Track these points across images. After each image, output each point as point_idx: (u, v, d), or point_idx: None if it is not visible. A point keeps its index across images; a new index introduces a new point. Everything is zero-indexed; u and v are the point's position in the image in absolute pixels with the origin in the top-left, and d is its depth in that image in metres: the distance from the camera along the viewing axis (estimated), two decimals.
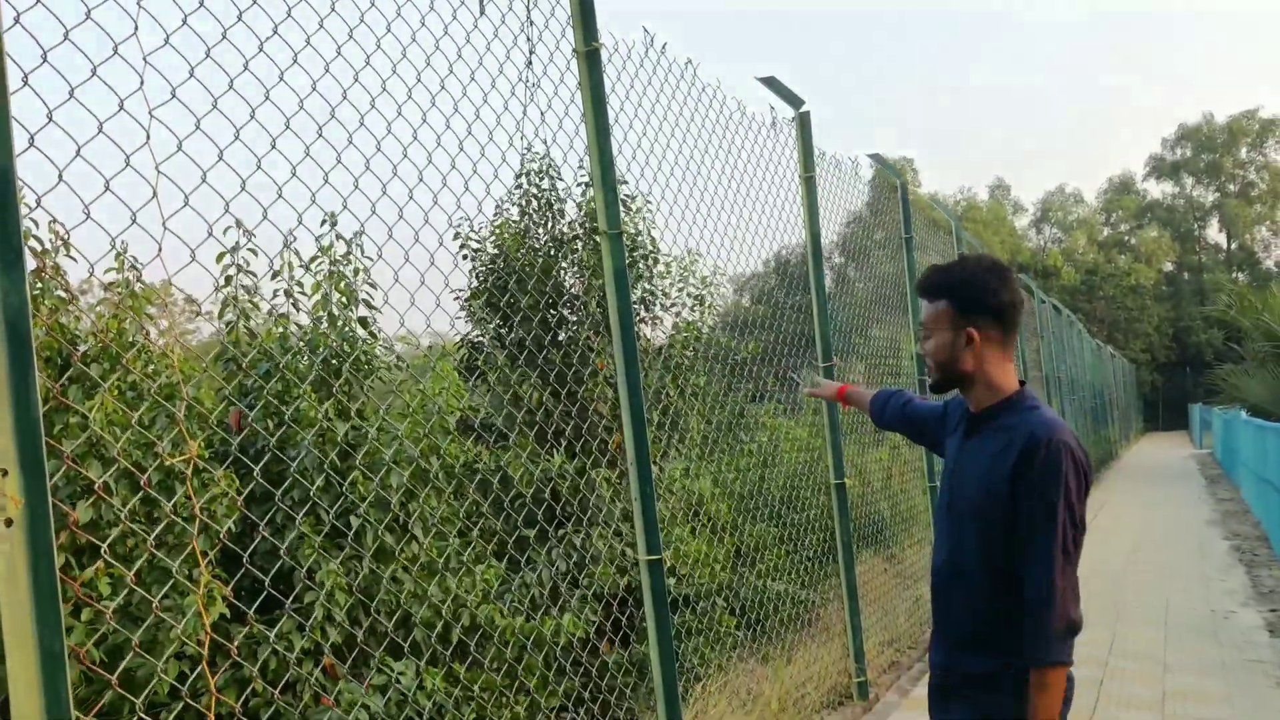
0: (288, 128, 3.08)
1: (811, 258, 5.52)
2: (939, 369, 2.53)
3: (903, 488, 8.93)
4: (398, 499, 4.82)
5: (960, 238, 9.68)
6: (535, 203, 7.85)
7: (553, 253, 7.78)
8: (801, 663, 5.56)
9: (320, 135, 3.18)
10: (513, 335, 7.88)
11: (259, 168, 3.01)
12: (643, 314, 7.91)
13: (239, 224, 4.69)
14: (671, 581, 6.89)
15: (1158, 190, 63.17)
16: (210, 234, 2.91)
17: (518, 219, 8.05)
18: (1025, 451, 2.34)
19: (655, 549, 3.61)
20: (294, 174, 3.12)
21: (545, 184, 7.82)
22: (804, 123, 5.63)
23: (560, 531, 6.02)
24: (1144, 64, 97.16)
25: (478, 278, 7.92)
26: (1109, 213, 62.61)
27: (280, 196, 3.11)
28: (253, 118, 2.96)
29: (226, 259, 4.96)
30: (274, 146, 3.04)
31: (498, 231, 7.96)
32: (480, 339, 7.94)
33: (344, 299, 5.21)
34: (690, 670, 6.02)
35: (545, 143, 4.20)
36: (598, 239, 7.38)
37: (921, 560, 8.53)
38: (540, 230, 7.87)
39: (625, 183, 7.95)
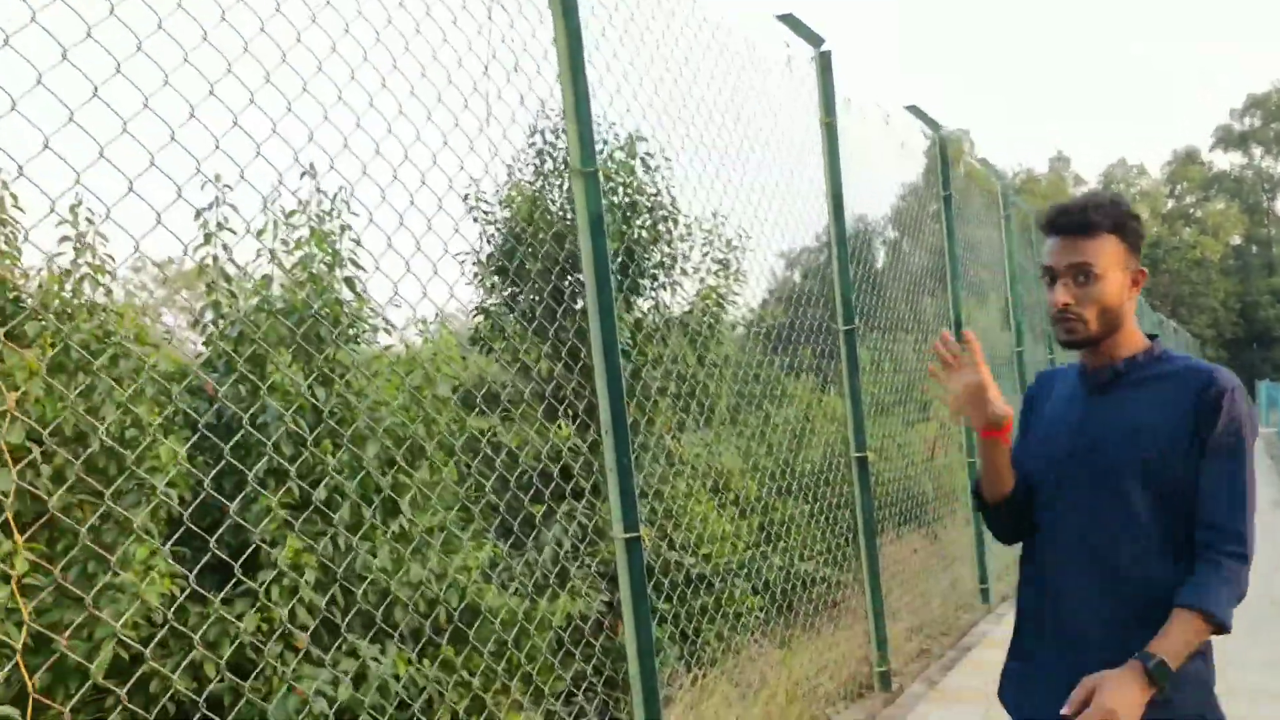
0: (268, 81, 2.73)
1: (832, 211, 5.06)
2: (1103, 319, 2.18)
3: (946, 464, 8.47)
4: (378, 470, 4.48)
5: (1008, 200, 9.12)
6: (551, 161, 7.48)
7: (569, 216, 7.40)
8: (814, 650, 5.14)
9: (305, 90, 2.82)
10: (523, 301, 7.52)
11: (235, 124, 2.69)
12: (662, 278, 7.50)
13: (216, 179, 4.38)
14: (690, 560, 6.53)
15: (1225, 161, 61.31)
16: (180, 195, 2.60)
17: (532, 179, 7.67)
18: (1212, 396, 2.10)
19: (633, 525, 3.22)
20: (274, 130, 2.78)
21: (562, 142, 7.44)
22: (825, 63, 5.16)
23: (566, 507, 5.65)
24: (1212, 31, 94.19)
25: (488, 241, 7.55)
26: (1174, 184, 60.84)
27: (259, 154, 2.77)
28: (229, 71, 2.65)
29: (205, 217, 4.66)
30: (252, 101, 2.70)
31: (511, 194, 7.58)
32: (490, 306, 7.58)
33: (327, 257, 4.87)
34: (706, 655, 5.65)
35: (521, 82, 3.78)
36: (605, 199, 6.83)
37: (964, 539, 8.05)
38: (557, 192, 7.49)
39: (645, 139, 7.59)
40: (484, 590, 4.69)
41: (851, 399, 5.17)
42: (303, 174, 4.52)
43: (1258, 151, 59.53)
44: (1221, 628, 2.04)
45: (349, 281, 4.95)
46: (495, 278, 7.69)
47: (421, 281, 3.21)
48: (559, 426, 6.56)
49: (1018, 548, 2.44)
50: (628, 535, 3.19)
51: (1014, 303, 8.84)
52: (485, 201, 7.27)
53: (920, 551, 8.22)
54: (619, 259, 6.93)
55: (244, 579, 3.42)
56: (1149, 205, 58.88)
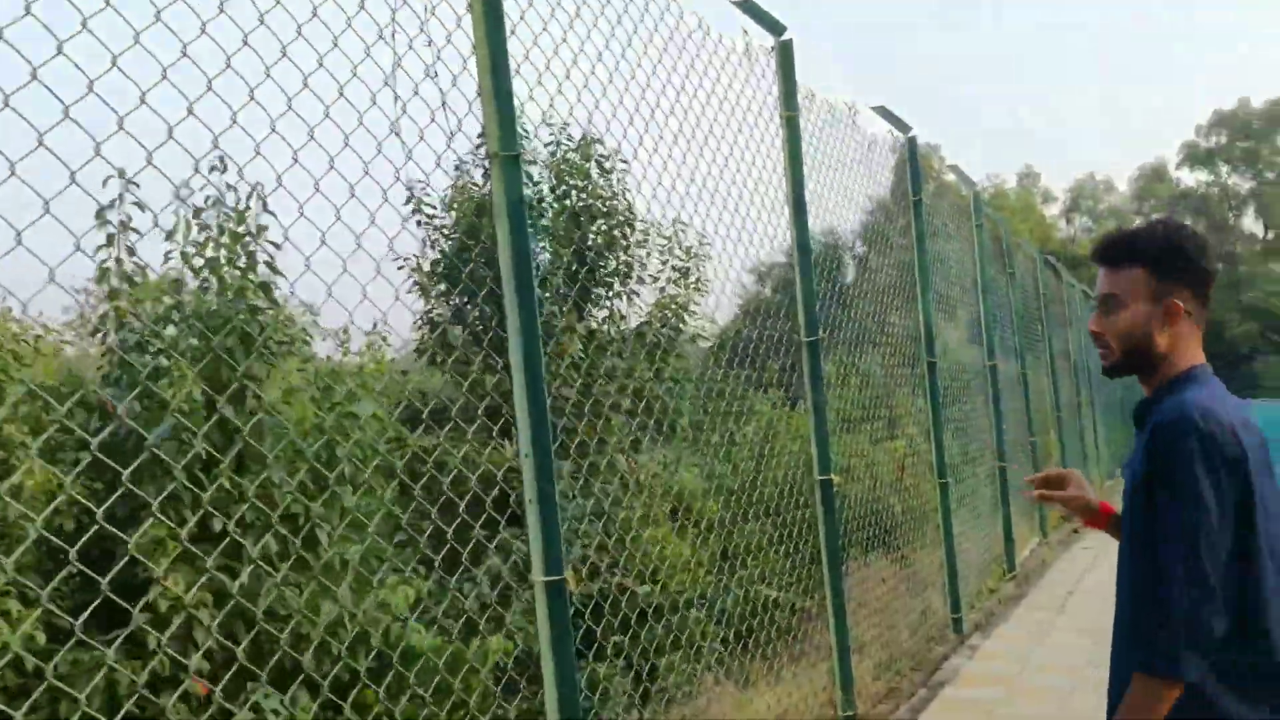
0: (184, 55, 2.28)
1: (793, 213, 4.66)
2: (1126, 349, 2.18)
3: (915, 483, 8.09)
4: (289, 497, 4.03)
5: (980, 209, 8.78)
6: None
7: None
8: (775, 694, 4.71)
9: (229, 66, 2.37)
10: (470, 311, 7.08)
11: (143, 102, 2.23)
12: (617, 287, 7.09)
13: (120, 174, 3.90)
14: (645, 588, 6.11)
15: (1191, 178, 61.68)
16: (72, 179, 2.12)
17: (480, 183, 7.24)
18: (1151, 436, 2.05)
19: (556, 567, 2.77)
20: (190, 112, 2.31)
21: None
22: (786, 54, 4.76)
23: (505, 534, 5.20)
24: (1176, 51, 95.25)
25: (432, 246, 7.11)
26: (1141, 201, 61.16)
27: (171, 137, 2.30)
28: (136, 42, 2.22)
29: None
30: (164, 77, 2.25)
31: (455, 196, 7.14)
32: (436, 316, 7.13)
33: (231, 257, 4.42)
34: (658, 694, 5.22)
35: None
36: (556, 203, 6.45)
37: (934, 562, 7.67)
38: None
39: (601, 141, 7.18)
40: (406, 630, 4.25)
41: (815, 414, 4.75)
42: (212, 169, 4.08)
43: (1224, 168, 59.96)
44: (1169, 679, 1.91)
45: (264, 287, 4.51)
46: (441, 285, 7.24)
47: (363, 289, 2.75)
48: (496, 447, 6.12)
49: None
50: (549, 578, 2.75)
51: (985, 315, 8.49)
52: (429, 205, 6.83)
53: (889, 578, 7.83)
54: (570, 265, 6.52)
55: (135, 621, 2.96)
56: (1117, 221, 59.15)
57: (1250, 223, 60.58)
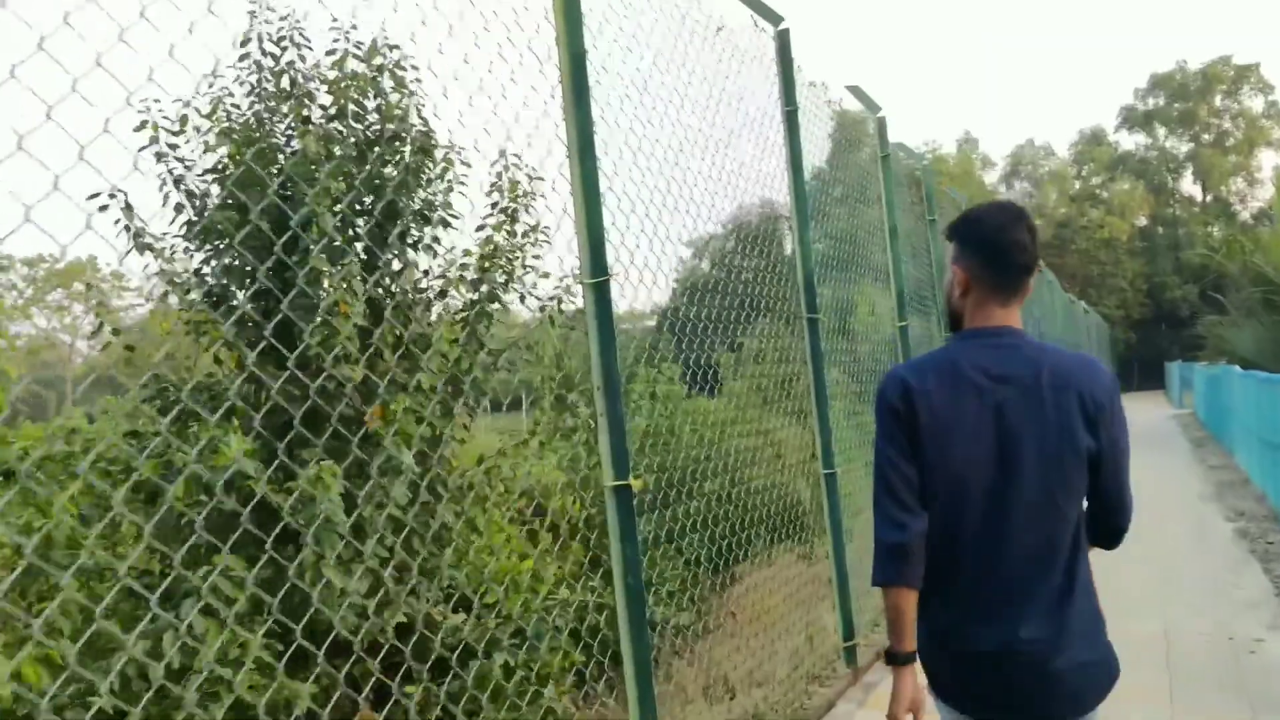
0: None
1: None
2: (947, 309, 2.58)
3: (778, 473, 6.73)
4: None
5: (885, 139, 7.34)
6: (272, 82, 5.51)
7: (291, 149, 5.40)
8: None
9: None
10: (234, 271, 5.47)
11: None
12: (414, 235, 5.54)
13: None
14: (461, 618, 4.71)
15: (1130, 141, 61.11)
16: None
17: (246, 106, 5.62)
18: None
19: None
20: None
21: (290, 55, 5.50)
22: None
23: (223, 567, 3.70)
24: (1115, 11, 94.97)
25: (180, 187, 5.48)
26: (1080, 165, 60.50)
27: None
28: None
29: None
30: None
31: (215, 120, 5.53)
32: (180, 277, 5.52)
33: None
34: None
35: None
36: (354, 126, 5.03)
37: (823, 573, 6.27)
38: (277, 122, 5.49)
39: (398, 47, 5.64)
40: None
41: (607, 400, 3.28)
42: None
43: (1162, 132, 59.35)
44: (882, 583, 2.38)
45: None
46: (195, 241, 5.62)
47: None
48: (229, 443, 4.57)
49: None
50: None
51: (894, 264, 7.09)
52: (172, 132, 5.21)
53: (791, 581, 6.43)
54: (366, 201, 4.99)
55: None
56: (1057, 186, 58.50)
57: (1189, 185, 60.19)
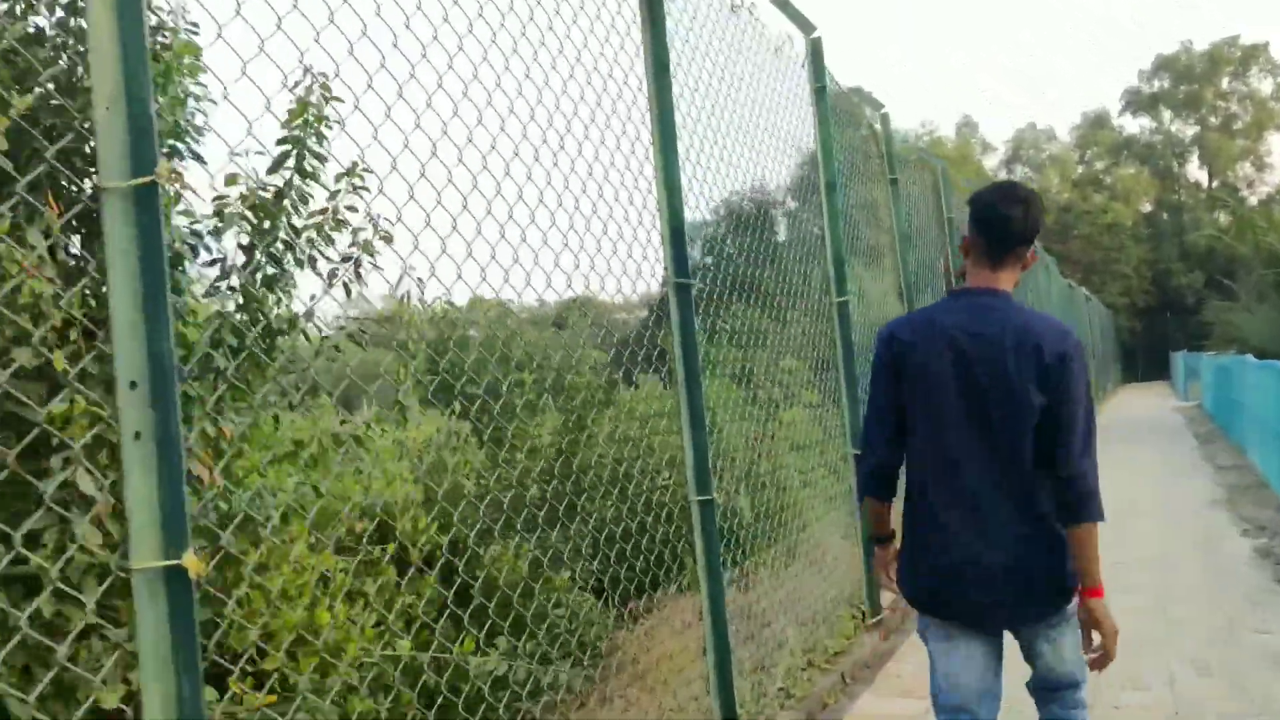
0: None
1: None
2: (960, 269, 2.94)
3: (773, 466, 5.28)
4: None
5: (820, 68, 5.84)
6: None
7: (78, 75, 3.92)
8: None
9: None
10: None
11: None
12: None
13: None
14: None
15: (1135, 125, 59.38)
16: None
17: None
18: None
19: None
20: None
21: None
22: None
23: None
24: None
25: None
26: (1083, 150, 58.81)
27: None
28: None
29: None
30: None
31: None
32: None
33: None
34: None
35: None
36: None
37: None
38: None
39: None
40: None
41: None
42: None
43: (1167, 115, 57.60)
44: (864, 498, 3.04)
45: None
46: None
47: None
48: None
49: None
50: None
51: (830, 226, 5.59)
52: None
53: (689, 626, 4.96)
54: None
55: None
56: (1059, 171, 56.85)
57: (1195, 170, 58.50)
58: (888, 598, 6.10)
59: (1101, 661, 2.72)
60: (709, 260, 5.63)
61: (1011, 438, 2.62)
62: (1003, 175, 56.89)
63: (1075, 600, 2.72)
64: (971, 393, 2.66)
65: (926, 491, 2.77)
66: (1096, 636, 2.70)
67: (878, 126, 7.72)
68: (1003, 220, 2.75)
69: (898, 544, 2.92)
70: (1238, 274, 23.33)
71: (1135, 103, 58.41)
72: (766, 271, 5.27)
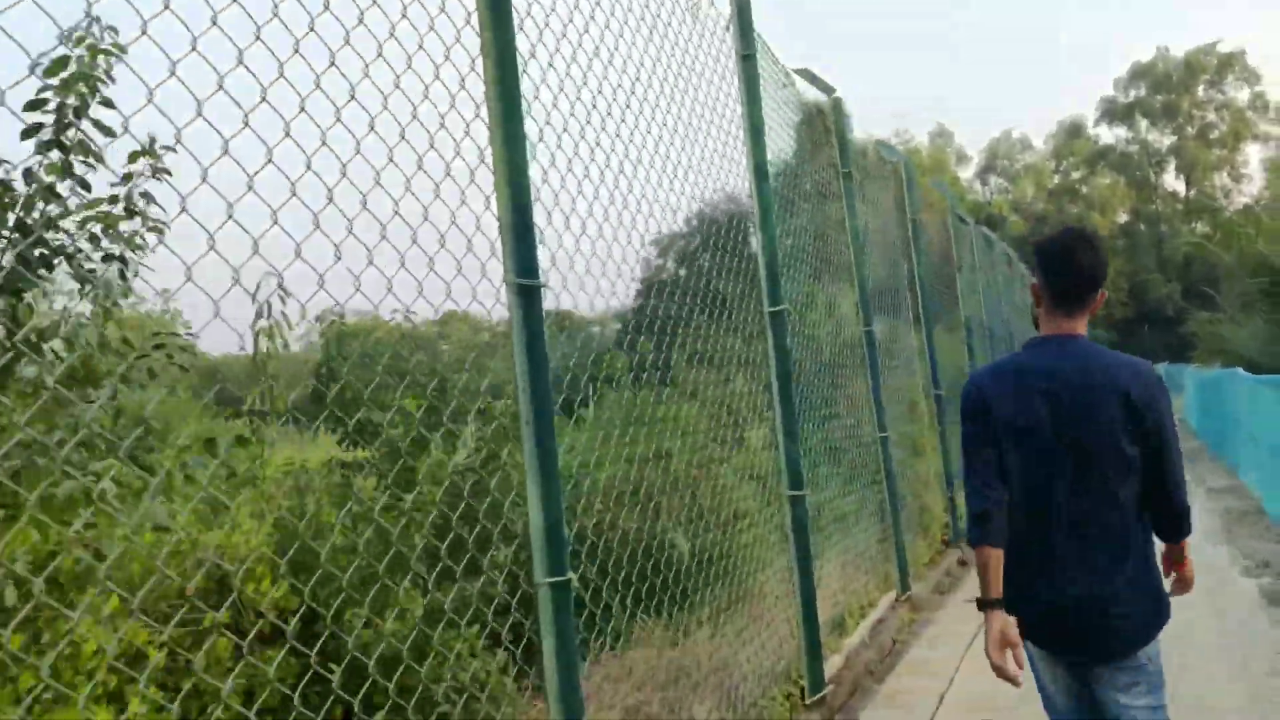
0: None
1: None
2: (1032, 316, 3.05)
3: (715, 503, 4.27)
4: None
5: (748, 34, 4.83)
6: None
7: None
8: None
9: None
10: None
11: None
12: None
13: None
14: None
15: (1110, 135, 58.82)
16: None
17: None
18: None
19: None
20: None
21: None
22: None
23: None
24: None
25: None
26: (1059, 159, 58.21)
27: None
28: None
29: None
30: None
31: None
32: None
33: None
34: None
35: None
36: None
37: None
38: None
39: None
40: None
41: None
42: None
43: (1144, 124, 57.05)
44: (975, 545, 2.88)
45: None
46: None
47: None
48: None
49: None
50: None
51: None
52: None
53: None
54: None
55: None
56: (1034, 180, 56.23)
57: (1171, 180, 57.96)
58: (833, 667, 5.06)
59: (1184, 585, 3.00)
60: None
61: (1108, 475, 2.74)
62: (978, 187, 56.25)
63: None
64: (1063, 435, 2.78)
65: (1031, 533, 2.82)
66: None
67: (829, 113, 6.74)
68: (1077, 270, 2.87)
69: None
70: (1220, 284, 22.49)
71: (1111, 112, 57.92)
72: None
